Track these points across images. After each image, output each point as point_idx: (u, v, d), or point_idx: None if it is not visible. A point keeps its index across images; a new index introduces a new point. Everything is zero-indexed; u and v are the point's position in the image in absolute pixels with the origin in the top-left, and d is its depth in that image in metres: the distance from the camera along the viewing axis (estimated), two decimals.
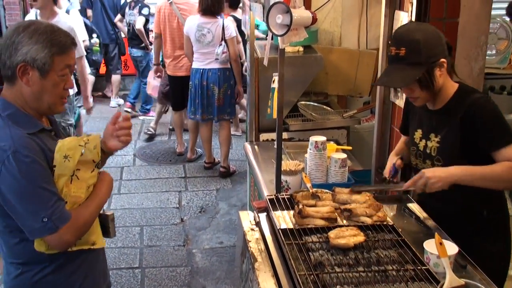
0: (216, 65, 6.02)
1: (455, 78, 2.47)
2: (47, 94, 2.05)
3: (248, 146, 4.16)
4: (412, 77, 2.29)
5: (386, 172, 2.70)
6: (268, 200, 2.54)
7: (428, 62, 2.28)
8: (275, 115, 3.17)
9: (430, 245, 2.08)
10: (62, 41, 2.05)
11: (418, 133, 2.55)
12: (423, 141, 2.51)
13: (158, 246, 4.84)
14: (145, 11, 7.57)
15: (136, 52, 7.92)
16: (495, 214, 2.46)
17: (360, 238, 2.17)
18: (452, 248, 2.07)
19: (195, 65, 6.12)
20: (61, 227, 1.97)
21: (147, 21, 7.61)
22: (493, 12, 3.00)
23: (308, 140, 3.11)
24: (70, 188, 2.07)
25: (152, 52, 7.34)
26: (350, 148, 3.70)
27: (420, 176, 2.30)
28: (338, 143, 3.89)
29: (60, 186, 2.04)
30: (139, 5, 7.58)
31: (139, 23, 7.54)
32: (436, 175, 2.27)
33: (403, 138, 2.84)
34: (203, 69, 6.04)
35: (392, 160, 2.72)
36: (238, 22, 6.77)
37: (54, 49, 2.02)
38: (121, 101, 8.94)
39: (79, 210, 2.06)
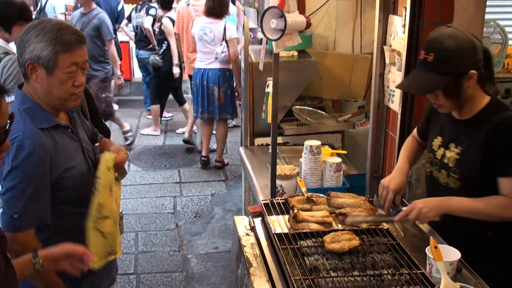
0: (216, 65, 6.24)
1: (491, 88, 2.34)
2: (55, 90, 2.11)
3: (243, 151, 4.16)
4: (435, 86, 2.21)
5: (386, 208, 2.50)
6: (263, 205, 2.54)
7: (456, 72, 2.17)
8: (269, 120, 3.17)
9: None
10: (67, 39, 2.08)
11: (438, 141, 2.45)
12: (441, 149, 2.41)
13: (153, 252, 4.82)
14: (152, 11, 7.66)
15: (144, 54, 7.93)
16: (503, 235, 2.33)
17: (355, 242, 2.17)
18: (454, 253, 2.06)
19: (197, 65, 6.40)
20: (25, 230, 1.99)
21: (154, 21, 7.67)
22: (487, 17, 3.00)
23: (303, 145, 3.12)
24: (112, 202, 2.23)
25: None
26: (345, 152, 3.71)
27: (412, 208, 2.23)
28: (332, 147, 3.90)
29: (102, 198, 2.20)
30: (146, 6, 7.67)
31: (147, 23, 7.59)
32: (428, 205, 2.21)
33: (413, 140, 2.72)
34: (204, 69, 6.30)
35: (396, 181, 2.53)
36: (173, 22, 7.09)
37: (58, 47, 2.06)
38: (116, 107, 8.92)
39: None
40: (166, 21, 7.20)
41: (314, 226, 2.32)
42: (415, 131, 2.76)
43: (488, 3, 2.90)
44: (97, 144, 2.44)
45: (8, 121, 1.59)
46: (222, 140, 6.62)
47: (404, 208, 2.51)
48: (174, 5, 7.75)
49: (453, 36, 2.18)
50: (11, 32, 3.76)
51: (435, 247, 1.97)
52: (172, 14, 7.31)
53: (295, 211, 2.35)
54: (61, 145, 2.14)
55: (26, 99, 2.12)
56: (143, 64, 8.02)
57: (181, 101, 7.87)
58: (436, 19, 2.76)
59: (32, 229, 2.06)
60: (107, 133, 3.63)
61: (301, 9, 4.58)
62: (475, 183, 2.27)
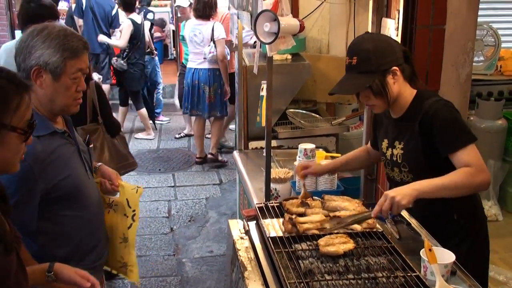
0: (206, 65, 6.48)
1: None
2: (60, 97, 2.13)
3: (237, 154, 4.16)
4: (362, 85, 2.36)
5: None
6: (257, 208, 2.53)
7: (379, 70, 2.34)
8: (264, 123, 3.17)
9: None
10: (74, 46, 2.11)
11: (385, 143, 2.59)
12: (390, 149, 2.54)
13: (148, 256, 4.80)
14: (150, 15, 7.68)
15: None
16: (467, 218, 2.48)
17: (350, 245, 2.16)
18: (449, 256, 2.06)
19: (189, 64, 6.63)
20: None
21: (152, 25, 7.69)
22: (480, 19, 3.02)
23: (297, 148, 3.12)
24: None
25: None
26: (339, 155, 3.69)
27: (384, 199, 2.24)
28: (327, 151, 3.90)
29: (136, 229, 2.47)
30: (144, 10, 7.69)
31: (145, 28, 7.64)
32: (399, 193, 2.22)
33: (364, 149, 2.92)
34: (195, 69, 6.53)
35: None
36: (136, 25, 7.18)
37: (66, 53, 2.09)
38: None
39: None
40: (126, 24, 7.28)
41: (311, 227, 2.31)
42: (369, 145, 2.91)
43: (480, 5, 2.92)
44: (91, 145, 2.48)
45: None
46: (216, 134, 6.85)
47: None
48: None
49: (371, 39, 2.42)
50: None
51: (430, 250, 1.97)
52: (134, 16, 7.37)
53: (293, 217, 2.32)
54: (57, 151, 2.15)
55: None
56: None
57: (138, 106, 7.83)
58: (429, 22, 2.78)
59: None
60: (116, 126, 4.01)
61: (295, 12, 4.59)
62: (425, 172, 2.35)
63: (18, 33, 5.00)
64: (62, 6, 8.47)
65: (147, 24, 7.59)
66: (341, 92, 2.65)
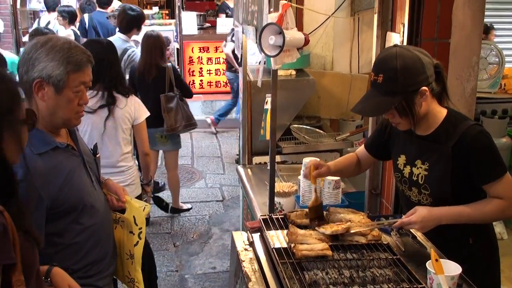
0: None
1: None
2: (61, 110, 2.11)
3: (241, 169, 4.15)
4: (386, 107, 2.25)
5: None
6: (261, 220, 2.52)
7: (406, 91, 2.20)
8: (268, 136, 3.17)
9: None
10: (78, 59, 2.10)
11: (402, 159, 2.47)
12: (408, 167, 2.43)
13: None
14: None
15: (229, 75, 8.47)
16: (482, 241, 2.43)
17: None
18: (455, 268, 2.03)
19: None
20: None
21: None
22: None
23: (301, 163, 3.10)
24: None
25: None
26: None
27: (415, 220, 2.22)
28: None
29: (142, 247, 2.45)
30: (232, 33, 7.89)
31: (227, 48, 7.92)
32: (429, 218, 2.21)
33: (353, 155, 2.79)
34: None
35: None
36: (75, 36, 7.42)
37: (69, 66, 2.07)
38: None
39: None
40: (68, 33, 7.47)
41: (316, 246, 2.26)
42: (360, 148, 2.81)
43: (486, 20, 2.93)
44: (98, 155, 2.45)
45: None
46: None
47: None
48: None
49: (400, 55, 2.21)
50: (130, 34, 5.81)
51: (436, 260, 1.95)
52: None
53: (292, 246, 2.25)
54: (59, 166, 2.13)
55: None
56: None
57: None
58: (434, 35, 2.78)
59: None
60: (188, 92, 5.66)
61: (299, 28, 4.60)
62: (446, 198, 2.29)
63: (121, 36, 5.81)
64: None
65: (230, 45, 7.72)
66: (364, 114, 2.60)
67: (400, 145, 2.50)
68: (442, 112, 2.33)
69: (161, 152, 5.98)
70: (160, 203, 5.79)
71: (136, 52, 5.71)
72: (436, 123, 2.33)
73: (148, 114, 3.88)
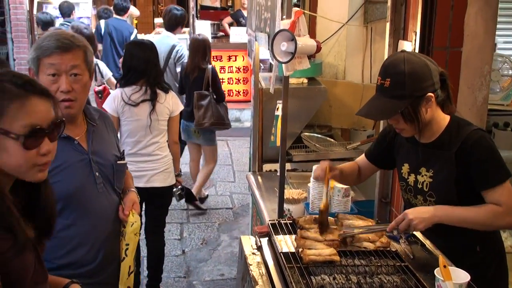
0: None
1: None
2: None
3: (251, 176, 4.15)
4: (392, 111, 2.24)
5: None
6: (270, 225, 2.52)
7: (413, 96, 2.20)
8: (278, 143, 3.17)
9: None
10: (46, 45, 2.18)
11: (405, 168, 2.47)
12: (412, 175, 2.43)
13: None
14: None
15: None
16: (489, 250, 2.41)
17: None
18: (464, 276, 2.02)
19: None
20: None
21: None
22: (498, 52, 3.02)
23: (312, 171, 3.09)
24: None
25: None
26: None
27: (402, 218, 2.23)
28: None
29: (130, 261, 2.39)
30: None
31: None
32: (419, 216, 2.21)
33: (353, 163, 2.80)
34: None
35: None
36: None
37: (38, 51, 2.19)
38: None
39: None
40: None
41: (323, 252, 2.25)
42: (361, 157, 2.80)
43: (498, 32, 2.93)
44: (123, 161, 2.46)
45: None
46: None
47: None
48: None
49: (408, 60, 2.21)
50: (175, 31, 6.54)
51: (444, 266, 1.94)
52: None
53: (300, 250, 2.25)
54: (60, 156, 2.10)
55: None
56: None
57: None
58: (446, 44, 2.78)
59: None
60: (221, 97, 5.89)
61: (312, 37, 4.61)
62: (452, 204, 2.28)
63: (168, 33, 6.54)
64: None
65: None
66: (370, 117, 2.57)
67: (404, 154, 2.50)
68: (446, 119, 2.34)
69: None
70: (188, 195, 5.83)
71: (183, 48, 6.41)
72: (440, 130, 2.33)
73: (182, 108, 4.31)
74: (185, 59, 6.18)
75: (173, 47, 6.35)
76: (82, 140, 2.28)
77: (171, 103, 4.11)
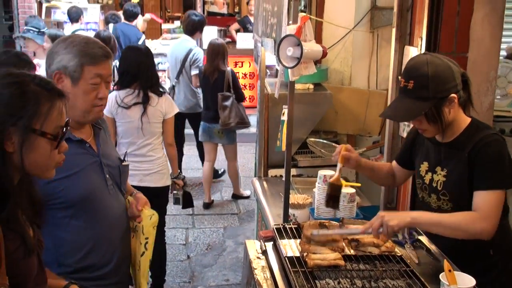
0: None
1: (473, 112, 2.44)
2: (79, 101, 2.17)
3: (256, 181, 4.15)
4: (417, 112, 2.27)
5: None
6: (275, 229, 2.52)
7: (436, 97, 2.23)
8: (284, 148, 3.18)
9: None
10: (94, 52, 2.18)
11: (424, 166, 2.49)
12: (429, 174, 2.45)
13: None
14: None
15: None
16: (503, 253, 2.40)
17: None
18: (469, 281, 2.01)
19: None
20: None
21: None
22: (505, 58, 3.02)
23: (317, 177, 3.09)
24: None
25: None
26: (359, 185, 3.66)
27: (376, 217, 2.24)
28: (347, 180, 3.85)
29: (150, 255, 2.45)
30: None
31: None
32: (391, 215, 2.23)
33: (389, 165, 2.80)
34: None
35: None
36: None
37: (84, 58, 2.15)
38: None
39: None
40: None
41: (328, 256, 2.25)
42: (394, 162, 2.80)
43: (503, 40, 2.93)
44: (126, 163, 2.50)
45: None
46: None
47: (419, 237, 2.50)
48: None
49: (430, 62, 2.25)
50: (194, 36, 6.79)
51: (449, 271, 1.93)
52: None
53: (305, 255, 2.26)
54: (68, 157, 2.02)
55: None
56: None
57: None
58: (452, 49, 2.78)
59: None
60: (241, 96, 6.21)
61: (318, 42, 4.63)
62: (465, 203, 2.28)
63: (186, 37, 6.83)
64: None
65: None
66: (394, 119, 2.62)
67: (423, 152, 2.52)
68: (466, 121, 2.37)
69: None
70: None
71: (199, 52, 6.64)
72: (459, 131, 2.36)
73: (177, 111, 4.32)
74: (201, 63, 6.50)
75: (190, 50, 6.60)
76: (92, 143, 2.31)
77: (164, 106, 4.17)
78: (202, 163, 6.74)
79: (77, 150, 2.20)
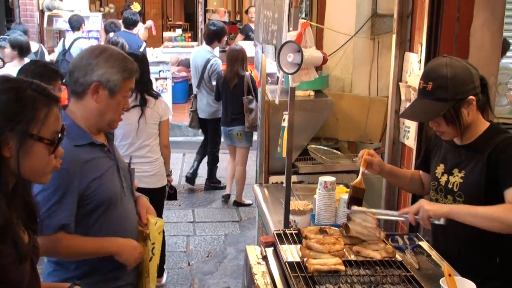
0: None
1: (491, 115, 2.45)
2: (110, 112, 2.30)
3: (257, 188, 4.15)
4: (435, 113, 2.29)
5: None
6: (275, 234, 2.52)
7: (455, 99, 2.26)
8: (284, 154, 3.18)
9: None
10: (131, 67, 2.32)
11: (440, 168, 2.50)
12: (445, 176, 2.45)
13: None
14: None
15: None
16: (510, 261, 2.37)
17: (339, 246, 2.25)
18: (470, 286, 2.01)
19: None
20: (43, 234, 2.02)
21: None
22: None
23: (317, 183, 3.09)
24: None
25: None
26: None
27: (418, 208, 2.26)
28: (347, 187, 3.87)
29: (157, 260, 2.46)
30: None
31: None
32: (431, 203, 2.27)
33: (417, 173, 2.77)
34: None
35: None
36: None
37: (125, 74, 2.28)
38: None
39: (72, 238, 2.19)
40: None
41: (328, 261, 2.25)
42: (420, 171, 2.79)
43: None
44: (132, 166, 2.58)
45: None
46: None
47: (419, 243, 2.50)
48: None
49: (450, 64, 2.29)
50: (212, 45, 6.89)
51: (449, 275, 1.93)
52: None
53: (305, 260, 2.25)
54: (94, 160, 2.26)
55: (65, 117, 2.19)
56: None
57: None
58: (452, 55, 2.78)
59: (51, 234, 2.11)
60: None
61: (319, 49, 4.64)
62: (481, 205, 2.26)
63: (206, 47, 6.98)
64: (95, 43, 8.67)
65: None
66: (413, 119, 2.65)
67: (440, 155, 2.54)
68: (485, 125, 2.38)
69: None
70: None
71: (217, 61, 6.77)
72: (477, 134, 2.37)
73: (171, 113, 4.51)
74: (219, 71, 6.65)
75: (208, 61, 6.76)
76: (108, 147, 2.40)
77: (161, 108, 4.34)
78: (210, 168, 7.21)
79: (100, 153, 2.31)
